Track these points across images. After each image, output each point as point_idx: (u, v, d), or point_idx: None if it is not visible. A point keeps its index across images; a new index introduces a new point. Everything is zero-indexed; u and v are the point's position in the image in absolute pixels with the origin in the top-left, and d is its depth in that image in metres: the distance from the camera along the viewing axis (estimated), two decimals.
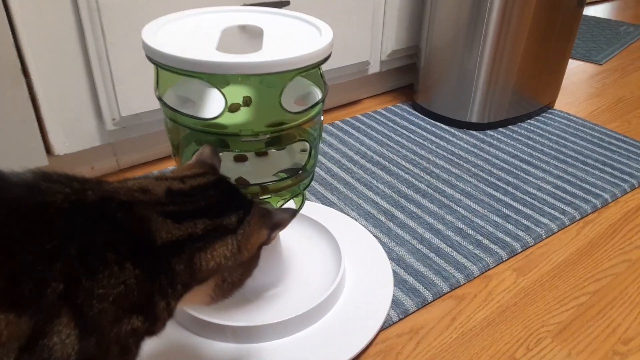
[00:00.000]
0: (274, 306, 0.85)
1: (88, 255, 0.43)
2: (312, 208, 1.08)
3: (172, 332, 0.80)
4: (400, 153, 1.33)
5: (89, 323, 0.42)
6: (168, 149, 1.28)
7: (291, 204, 0.82)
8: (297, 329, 0.81)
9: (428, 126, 1.48)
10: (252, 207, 0.57)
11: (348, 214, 1.09)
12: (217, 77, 0.64)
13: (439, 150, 1.35)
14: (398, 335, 0.83)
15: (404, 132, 1.44)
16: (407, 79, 1.73)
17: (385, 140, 1.39)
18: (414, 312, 0.87)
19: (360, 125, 1.47)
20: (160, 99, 0.70)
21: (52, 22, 0.97)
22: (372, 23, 1.46)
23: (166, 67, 0.63)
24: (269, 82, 0.67)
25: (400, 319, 0.85)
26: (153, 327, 0.50)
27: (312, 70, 0.68)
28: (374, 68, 1.57)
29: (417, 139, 1.41)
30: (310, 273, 0.91)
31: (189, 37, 0.70)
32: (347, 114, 1.54)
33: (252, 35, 0.78)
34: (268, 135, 0.68)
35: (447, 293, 0.91)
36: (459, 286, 0.92)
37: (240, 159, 0.81)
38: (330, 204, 1.12)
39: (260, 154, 0.82)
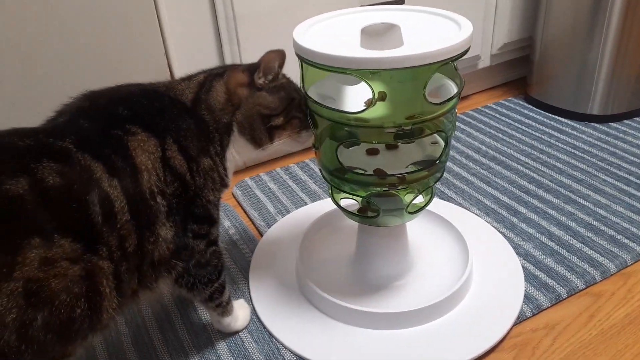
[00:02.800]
0: (404, 295, 0.87)
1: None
2: (433, 203, 1.08)
3: (313, 318, 0.85)
4: (517, 147, 1.30)
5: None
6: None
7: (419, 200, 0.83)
8: (430, 318, 0.82)
9: (545, 119, 1.43)
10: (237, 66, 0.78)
11: (467, 209, 1.08)
12: (363, 72, 0.67)
13: (560, 144, 1.30)
14: (533, 330, 0.81)
15: (519, 126, 1.40)
16: (518, 72, 1.68)
17: (500, 135, 1.36)
18: (548, 307, 0.85)
19: (471, 121, 1.45)
20: (307, 94, 0.75)
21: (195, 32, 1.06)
22: (484, 17, 1.44)
23: (320, 66, 0.67)
24: (407, 76, 0.69)
25: (534, 314, 0.84)
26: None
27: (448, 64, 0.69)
28: (484, 62, 1.54)
29: (534, 132, 1.36)
30: (437, 265, 0.92)
31: (334, 37, 0.74)
32: (457, 110, 1.52)
33: (373, 35, 0.80)
34: (410, 127, 0.70)
35: (583, 290, 0.88)
36: (595, 283, 0.89)
37: (372, 152, 0.84)
38: (448, 199, 1.12)
39: (391, 147, 0.84)
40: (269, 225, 1.07)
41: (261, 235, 1.05)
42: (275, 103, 0.75)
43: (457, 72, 0.76)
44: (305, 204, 1.14)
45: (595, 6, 1.31)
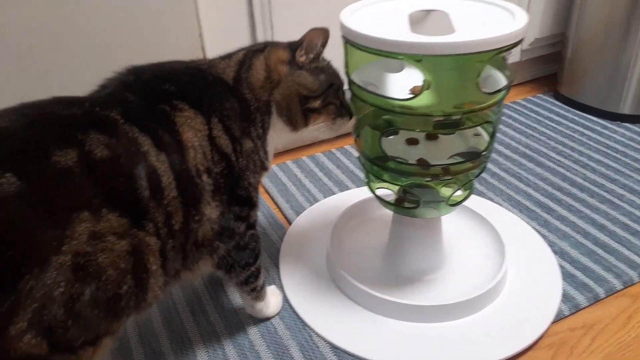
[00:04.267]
0: (438, 289, 0.85)
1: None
2: None
3: (346, 307, 0.84)
4: (548, 145, 1.27)
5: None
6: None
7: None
8: (466, 313, 0.81)
9: (575, 117, 1.40)
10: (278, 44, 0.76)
11: (500, 205, 1.06)
12: (415, 57, 0.65)
13: (592, 143, 1.27)
14: (571, 329, 0.80)
15: (549, 123, 1.38)
16: (548, 69, 1.65)
17: (530, 132, 1.34)
18: (586, 307, 0.83)
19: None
20: (351, 80, 0.73)
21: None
22: None
23: (369, 50, 0.66)
24: (458, 63, 0.68)
25: (572, 313, 0.82)
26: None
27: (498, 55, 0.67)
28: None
29: (565, 130, 1.34)
30: (471, 260, 0.91)
31: (381, 22, 0.72)
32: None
33: (421, 21, 0.78)
34: (459, 116, 0.69)
35: (621, 290, 0.86)
36: (633, 284, 0.87)
37: (412, 142, 0.82)
38: (480, 194, 1.10)
39: (431, 137, 0.83)
40: (297, 214, 1.06)
41: (289, 223, 1.04)
42: (314, 84, 0.74)
43: (506, 63, 0.74)
44: (333, 193, 1.12)
45: (632, 5, 1.28)
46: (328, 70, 0.76)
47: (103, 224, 0.52)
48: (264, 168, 0.74)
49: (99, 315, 0.53)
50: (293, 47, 0.73)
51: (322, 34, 0.72)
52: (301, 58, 0.73)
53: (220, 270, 0.71)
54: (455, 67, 0.67)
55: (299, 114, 0.74)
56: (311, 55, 0.73)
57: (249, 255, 0.73)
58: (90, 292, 0.51)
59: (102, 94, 0.63)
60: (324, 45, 0.73)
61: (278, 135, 0.76)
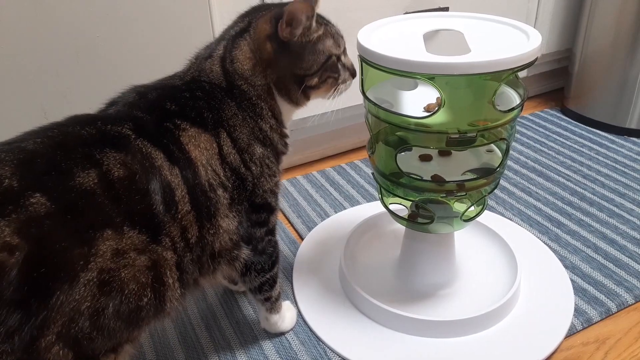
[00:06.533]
0: (451, 304, 0.86)
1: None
2: None
3: (359, 323, 0.84)
4: (557, 159, 1.28)
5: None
6: (327, 150, 1.34)
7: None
8: (479, 328, 0.81)
9: (583, 132, 1.42)
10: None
11: (510, 219, 1.07)
12: (431, 77, 0.66)
13: (600, 157, 1.28)
14: (584, 344, 0.80)
15: (557, 137, 1.39)
16: (555, 84, 1.67)
17: (538, 146, 1.35)
18: (598, 321, 0.84)
19: None
20: (367, 97, 0.75)
21: None
22: None
23: (387, 69, 0.67)
24: (474, 82, 0.69)
25: (584, 328, 0.83)
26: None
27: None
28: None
29: (573, 145, 1.35)
30: (484, 275, 0.91)
31: (397, 42, 0.74)
32: None
33: (437, 41, 0.80)
34: (475, 134, 0.70)
35: (632, 305, 0.86)
36: None
37: (425, 158, 0.83)
38: (490, 209, 1.11)
39: (444, 153, 0.84)
40: (309, 228, 1.07)
41: (301, 238, 1.05)
42: (308, 62, 0.68)
43: (519, 81, 0.75)
44: (344, 208, 1.13)
45: (639, 21, 1.30)
46: (324, 39, 0.69)
47: (125, 241, 0.54)
48: (283, 152, 0.73)
49: (122, 326, 0.54)
50: (277, 16, 0.66)
51: (305, 8, 0.64)
52: (284, 33, 0.65)
53: (236, 272, 0.71)
54: (470, 85, 0.68)
55: (297, 92, 0.70)
56: (297, 31, 0.65)
57: (265, 261, 0.73)
58: (113, 305, 0.53)
59: (110, 112, 0.64)
60: (309, 18, 0.66)
61: (289, 112, 0.73)
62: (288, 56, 0.67)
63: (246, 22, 0.69)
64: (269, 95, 0.69)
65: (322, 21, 0.70)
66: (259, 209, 0.70)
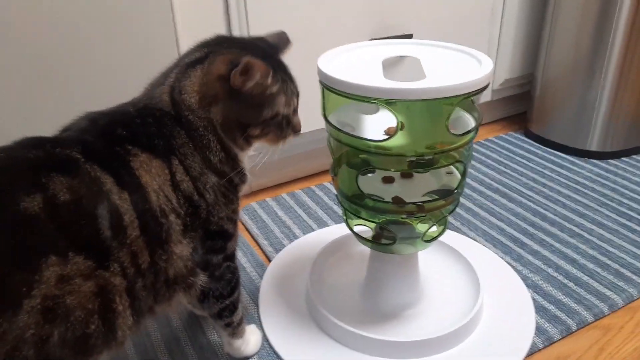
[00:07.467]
0: (416, 324, 0.87)
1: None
2: None
3: (324, 345, 0.84)
4: (520, 181, 1.32)
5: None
6: (296, 173, 1.35)
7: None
8: (443, 348, 0.82)
9: (545, 154, 1.46)
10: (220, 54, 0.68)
11: (474, 240, 1.09)
12: (389, 102, 0.68)
13: (561, 179, 1.32)
14: None
15: (521, 160, 1.43)
16: (518, 107, 1.72)
17: (502, 168, 1.38)
18: (559, 340, 0.85)
19: (474, 154, 1.47)
20: (328, 121, 0.76)
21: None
22: (487, 54, 1.47)
23: (346, 95, 0.69)
24: (430, 107, 0.71)
25: (545, 346, 0.84)
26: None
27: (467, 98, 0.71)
28: (486, 97, 1.58)
29: (536, 167, 1.39)
30: (447, 295, 0.93)
31: (356, 68, 0.76)
32: None
33: (395, 67, 0.82)
34: (431, 156, 0.72)
35: (592, 323, 0.88)
36: (603, 316, 0.90)
37: (388, 180, 0.85)
38: (455, 229, 1.13)
39: (405, 175, 0.86)
40: (277, 250, 1.07)
41: (269, 260, 1.05)
42: (254, 113, 0.68)
43: (475, 105, 0.78)
44: (312, 229, 1.14)
45: (596, 46, 1.36)
46: (274, 98, 0.69)
47: (70, 267, 0.53)
48: (240, 183, 0.72)
49: (69, 354, 0.53)
50: (235, 62, 0.64)
51: (262, 69, 0.64)
52: (236, 81, 0.64)
53: (194, 299, 0.70)
54: (426, 110, 0.70)
55: (240, 137, 0.69)
56: (249, 83, 0.65)
57: (224, 287, 0.72)
58: (59, 332, 0.52)
59: (62, 136, 0.64)
60: (263, 78, 0.65)
61: (238, 151, 0.72)
62: (236, 102, 0.67)
63: (204, 52, 0.68)
64: (215, 130, 0.68)
65: (281, 77, 0.70)
66: (214, 236, 0.69)
